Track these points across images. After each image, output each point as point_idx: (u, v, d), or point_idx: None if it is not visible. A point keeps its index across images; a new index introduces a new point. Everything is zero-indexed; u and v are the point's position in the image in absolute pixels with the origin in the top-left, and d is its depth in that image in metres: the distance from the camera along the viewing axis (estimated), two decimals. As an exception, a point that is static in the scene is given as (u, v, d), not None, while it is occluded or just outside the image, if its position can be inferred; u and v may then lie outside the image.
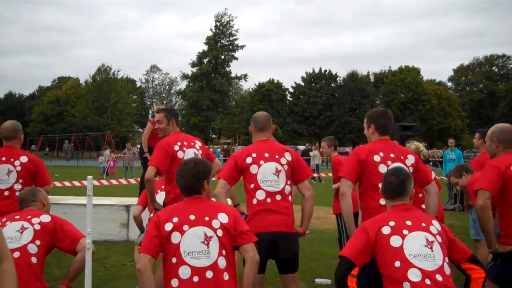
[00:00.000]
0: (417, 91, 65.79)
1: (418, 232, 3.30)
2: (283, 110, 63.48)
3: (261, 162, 4.57)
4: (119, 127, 55.85)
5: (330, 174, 8.24)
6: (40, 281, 3.75)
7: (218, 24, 63.85)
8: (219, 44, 63.79)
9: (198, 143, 5.46)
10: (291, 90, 68.39)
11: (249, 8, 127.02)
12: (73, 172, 29.05)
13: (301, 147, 35.19)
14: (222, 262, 3.37)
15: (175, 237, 3.35)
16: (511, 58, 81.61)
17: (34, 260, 3.73)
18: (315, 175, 21.72)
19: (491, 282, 3.91)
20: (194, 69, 63.59)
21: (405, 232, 3.28)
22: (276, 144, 4.86)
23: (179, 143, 5.21)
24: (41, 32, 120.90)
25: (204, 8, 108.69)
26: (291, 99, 68.00)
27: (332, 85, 67.34)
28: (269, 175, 4.53)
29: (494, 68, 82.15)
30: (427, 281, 3.11)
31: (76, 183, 12.09)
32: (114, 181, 14.42)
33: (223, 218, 3.46)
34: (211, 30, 63.92)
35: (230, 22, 63.88)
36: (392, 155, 4.22)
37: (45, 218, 3.95)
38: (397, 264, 3.19)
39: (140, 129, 73.03)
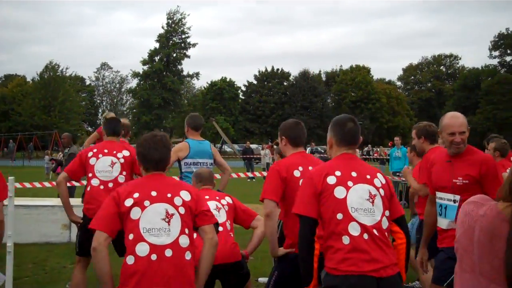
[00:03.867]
0: (367, 90, 66.84)
1: (362, 185, 3.24)
2: (235, 109, 63.46)
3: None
4: (67, 126, 54.51)
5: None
6: None
7: (170, 21, 63.27)
8: (171, 42, 63.19)
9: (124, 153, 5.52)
10: (243, 88, 68.43)
11: (207, 6, 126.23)
12: (18, 173, 28.24)
13: (253, 146, 35.21)
14: (183, 241, 3.25)
15: (135, 213, 3.22)
16: (458, 58, 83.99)
17: None
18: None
19: None
20: (145, 67, 62.84)
21: (349, 184, 3.22)
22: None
23: (95, 150, 5.37)
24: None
25: (161, 6, 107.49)
26: (243, 97, 68.00)
27: (284, 83, 67.70)
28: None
29: (442, 67, 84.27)
30: (365, 236, 3.09)
31: (18, 185, 11.69)
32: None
33: (185, 195, 3.35)
34: (162, 27, 63.34)
35: (182, 19, 63.43)
36: (311, 168, 3.95)
37: None
38: (339, 216, 3.13)
39: (89, 128, 71.74)
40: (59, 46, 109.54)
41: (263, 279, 6.53)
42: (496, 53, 73.08)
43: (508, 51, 72.33)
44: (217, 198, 4.71)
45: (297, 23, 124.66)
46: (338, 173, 3.25)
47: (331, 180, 3.22)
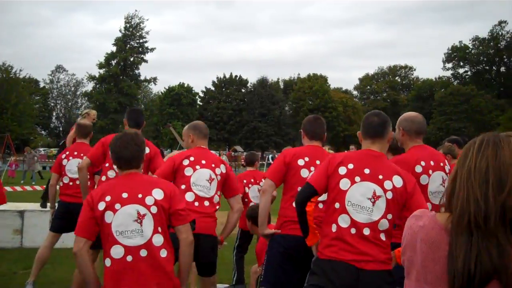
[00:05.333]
0: (324, 98, 67.58)
1: (368, 183, 3.30)
2: (193, 115, 63.12)
3: (197, 166, 4.69)
4: (19, 129, 53.29)
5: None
6: None
7: (128, 25, 62.62)
8: (128, 46, 62.54)
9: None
10: (201, 94, 68.21)
11: (168, 10, 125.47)
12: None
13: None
14: (157, 240, 3.28)
15: (108, 217, 3.26)
16: (413, 69, 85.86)
17: None
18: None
19: None
20: (102, 71, 61.94)
21: (356, 179, 3.31)
22: (212, 153, 5.04)
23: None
24: None
25: (121, 9, 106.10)
26: (201, 103, 67.78)
27: (243, 90, 67.82)
28: (203, 180, 4.65)
29: (397, 78, 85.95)
30: (352, 230, 3.21)
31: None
32: (8, 188, 13.68)
33: (158, 194, 3.35)
34: (120, 31, 62.65)
35: (141, 24, 62.86)
36: (318, 162, 4.21)
37: None
38: (337, 205, 3.29)
39: (43, 131, 70.27)
40: (13, 47, 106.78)
41: (220, 286, 6.48)
42: (449, 65, 75.14)
43: (461, 63, 74.44)
44: (213, 166, 4.77)
45: (258, 31, 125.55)
46: (350, 165, 3.35)
47: (341, 170, 3.34)
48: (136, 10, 74.86)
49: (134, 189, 3.34)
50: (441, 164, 4.20)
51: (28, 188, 13.97)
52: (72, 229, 6.47)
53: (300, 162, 4.26)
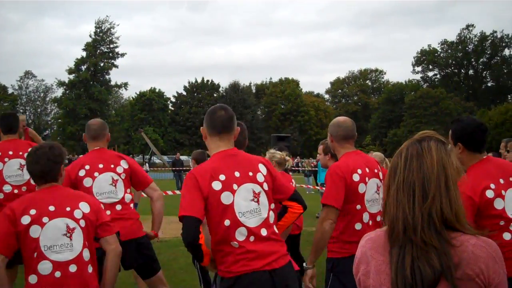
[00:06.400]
0: (296, 102, 67.85)
1: (246, 185, 3.07)
2: (165, 120, 62.76)
3: (95, 174, 4.36)
4: (-13, 136, 52.37)
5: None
6: None
7: (98, 30, 61.99)
8: (98, 51, 61.88)
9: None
10: (173, 99, 67.83)
11: (140, 15, 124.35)
12: None
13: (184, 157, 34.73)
14: (86, 254, 3.19)
15: (34, 231, 3.08)
16: (383, 72, 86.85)
17: None
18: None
19: None
20: (72, 76, 61.12)
21: (234, 187, 3.03)
22: (108, 152, 4.62)
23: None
24: None
25: (92, 13, 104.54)
26: (173, 108, 67.40)
27: (215, 95, 67.65)
28: (106, 187, 4.35)
29: (367, 81, 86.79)
30: (251, 238, 3.00)
31: None
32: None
33: (84, 207, 3.26)
34: (90, 36, 61.97)
35: (111, 29, 62.27)
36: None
37: None
38: (227, 223, 2.99)
39: (11, 139, 68.83)
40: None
41: None
42: (419, 68, 76.35)
43: (430, 67, 75.52)
44: (112, 166, 4.44)
45: (230, 35, 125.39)
46: (222, 177, 3.05)
47: (216, 186, 3.02)
48: (107, 16, 74.31)
49: (61, 202, 3.22)
50: (375, 171, 4.06)
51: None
52: None
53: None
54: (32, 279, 3.06)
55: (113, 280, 3.32)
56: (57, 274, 3.06)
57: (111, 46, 62.80)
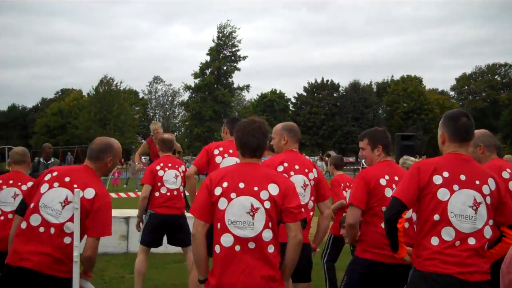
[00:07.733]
0: (419, 100, 65.77)
1: (468, 191, 3.21)
2: (286, 120, 63.12)
3: (291, 173, 4.62)
4: (122, 138, 55.60)
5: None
6: None
7: (220, 35, 63.91)
8: (221, 55, 63.77)
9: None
10: (293, 100, 68.42)
11: (260, 18, 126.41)
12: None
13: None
14: (267, 235, 3.27)
15: (222, 203, 3.29)
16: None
17: None
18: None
19: None
20: (197, 80, 63.59)
21: (455, 187, 3.20)
22: (305, 157, 4.99)
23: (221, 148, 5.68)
24: (51, 43, 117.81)
25: (216, 19, 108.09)
26: (293, 109, 67.99)
27: (335, 95, 67.37)
28: (298, 188, 4.34)
29: (496, 77, 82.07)
30: (457, 243, 3.13)
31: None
32: (113, 195, 14.38)
33: (273, 189, 3.32)
34: (213, 41, 64.04)
35: (233, 33, 63.92)
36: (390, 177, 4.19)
37: None
38: (436, 217, 3.20)
39: (143, 140, 72.82)
40: (114, 60, 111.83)
41: None
42: (555, 61, 70.81)
43: None
44: (306, 171, 4.66)
45: (349, 34, 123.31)
46: (445, 174, 3.23)
47: (437, 179, 3.23)
48: (228, 20, 76.35)
49: (251, 181, 3.33)
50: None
51: (132, 194, 14.58)
52: (161, 243, 6.86)
53: (382, 181, 4.15)
54: (217, 248, 3.26)
55: (292, 267, 3.38)
56: (237, 247, 3.23)
57: (233, 49, 64.39)
